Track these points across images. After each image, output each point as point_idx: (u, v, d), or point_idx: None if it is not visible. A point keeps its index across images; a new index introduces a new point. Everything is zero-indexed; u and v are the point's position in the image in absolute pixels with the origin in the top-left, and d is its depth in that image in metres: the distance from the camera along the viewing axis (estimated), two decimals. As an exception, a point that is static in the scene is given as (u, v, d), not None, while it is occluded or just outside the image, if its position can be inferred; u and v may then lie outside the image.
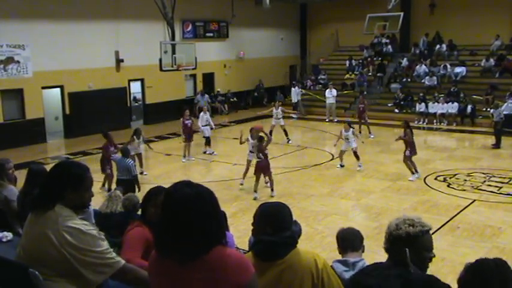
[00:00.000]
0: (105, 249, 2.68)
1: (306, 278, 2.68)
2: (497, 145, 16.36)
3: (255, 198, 11.22)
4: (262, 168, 11.30)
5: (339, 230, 4.25)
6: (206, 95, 23.11)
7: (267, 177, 11.76)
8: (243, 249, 5.78)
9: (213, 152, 16.19)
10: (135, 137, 13.42)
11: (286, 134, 17.72)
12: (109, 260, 2.69)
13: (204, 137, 16.18)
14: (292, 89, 24.06)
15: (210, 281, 2.20)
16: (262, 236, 2.78)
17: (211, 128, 16.25)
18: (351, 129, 14.12)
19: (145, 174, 13.67)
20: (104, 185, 12.18)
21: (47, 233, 2.60)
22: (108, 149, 11.92)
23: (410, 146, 12.83)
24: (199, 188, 2.30)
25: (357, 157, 13.75)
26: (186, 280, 2.23)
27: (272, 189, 11.57)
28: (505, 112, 17.50)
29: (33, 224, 2.72)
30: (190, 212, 2.21)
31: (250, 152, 12.04)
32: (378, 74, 24.98)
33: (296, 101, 23.79)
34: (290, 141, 17.60)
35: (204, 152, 16.26)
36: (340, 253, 4.11)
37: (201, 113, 16.46)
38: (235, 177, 13.32)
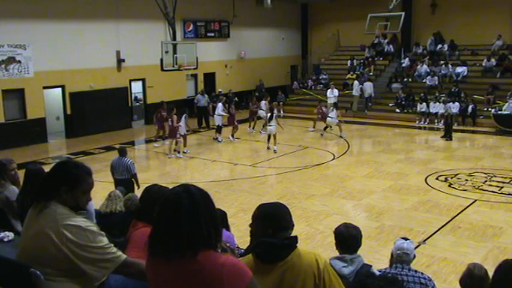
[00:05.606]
0: (106, 245, 2.67)
1: (308, 279, 2.67)
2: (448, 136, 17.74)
3: (322, 135, 17.68)
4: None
5: (342, 227, 4.14)
6: (206, 95, 22.95)
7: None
8: (244, 249, 5.77)
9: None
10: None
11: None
12: (110, 254, 2.68)
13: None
14: (363, 83, 23.24)
15: None
16: (263, 237, 2.77)
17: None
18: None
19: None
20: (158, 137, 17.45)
21: (46, 231, 2.58)
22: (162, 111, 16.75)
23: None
24: (192, 188, 2.29)
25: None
26: None
27: (341, 130, 18.01)
28: (506, 112, 17.46)
29: (31, 223, 2.70)
30: (179, 210, 2.20)
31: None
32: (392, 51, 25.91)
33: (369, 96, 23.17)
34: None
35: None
36: (337, 249, 4.10)
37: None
38: (236, 177, 13.32)
